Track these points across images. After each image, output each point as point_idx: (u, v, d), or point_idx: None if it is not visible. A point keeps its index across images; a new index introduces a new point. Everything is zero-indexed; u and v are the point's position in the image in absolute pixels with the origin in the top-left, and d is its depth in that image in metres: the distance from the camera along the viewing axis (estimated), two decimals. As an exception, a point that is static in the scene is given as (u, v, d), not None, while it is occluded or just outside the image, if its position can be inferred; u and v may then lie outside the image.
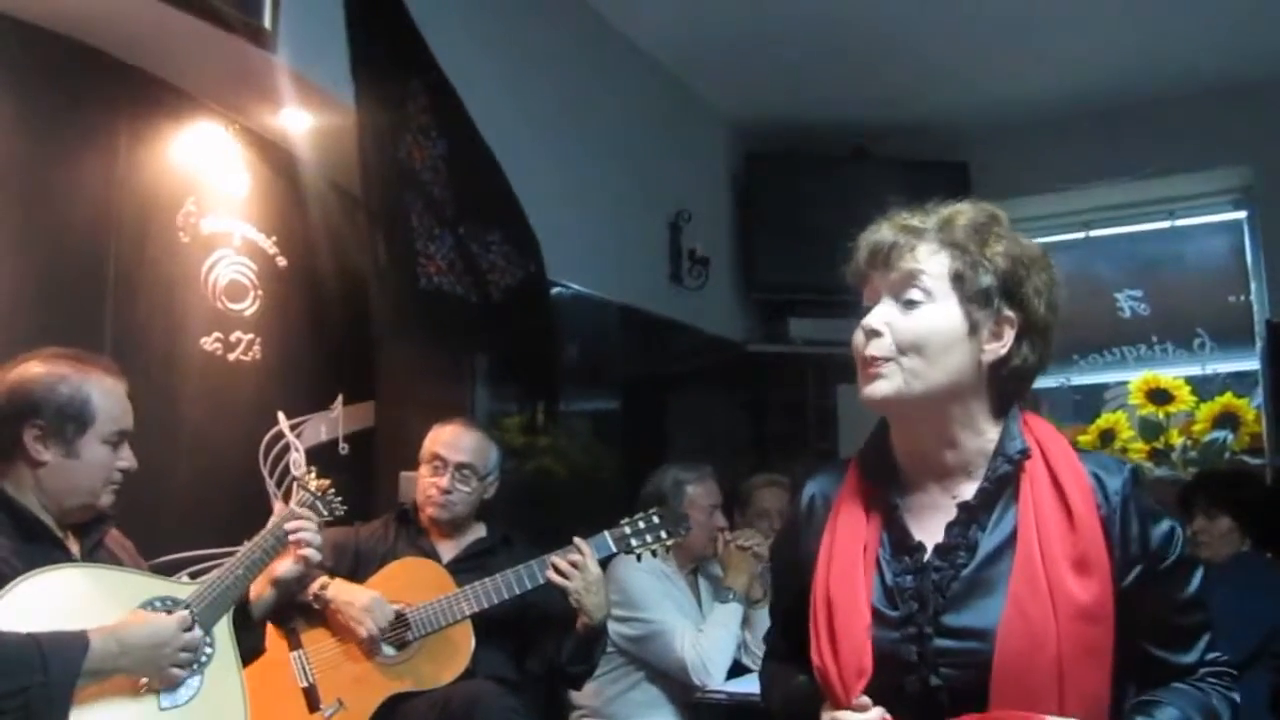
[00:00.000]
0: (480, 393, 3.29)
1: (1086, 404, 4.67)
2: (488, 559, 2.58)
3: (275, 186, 2.94)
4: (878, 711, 1.19)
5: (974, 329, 1.24)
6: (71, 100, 2.40)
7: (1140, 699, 1.23)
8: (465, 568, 2.53)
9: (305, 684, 2.29)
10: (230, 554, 1.99)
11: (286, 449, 2.91)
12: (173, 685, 1.76)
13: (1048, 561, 1.18)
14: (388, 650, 2.36)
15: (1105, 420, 4.16)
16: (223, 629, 1.89)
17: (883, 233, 1.29)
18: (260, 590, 2.02)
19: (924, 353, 1.23)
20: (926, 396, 1.24)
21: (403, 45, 2.77)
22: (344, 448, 3.11)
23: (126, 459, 1.89)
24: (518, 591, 2.40)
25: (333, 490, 2.16)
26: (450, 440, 2.62)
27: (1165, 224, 4.72)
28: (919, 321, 1.24)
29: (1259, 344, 4.35)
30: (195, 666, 1.80)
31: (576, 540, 2.46)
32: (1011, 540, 1.21)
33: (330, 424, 3.08)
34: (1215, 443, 3.97)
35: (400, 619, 2.37)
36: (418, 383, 3.26)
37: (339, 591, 2.37)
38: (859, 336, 1.28)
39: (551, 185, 3.45)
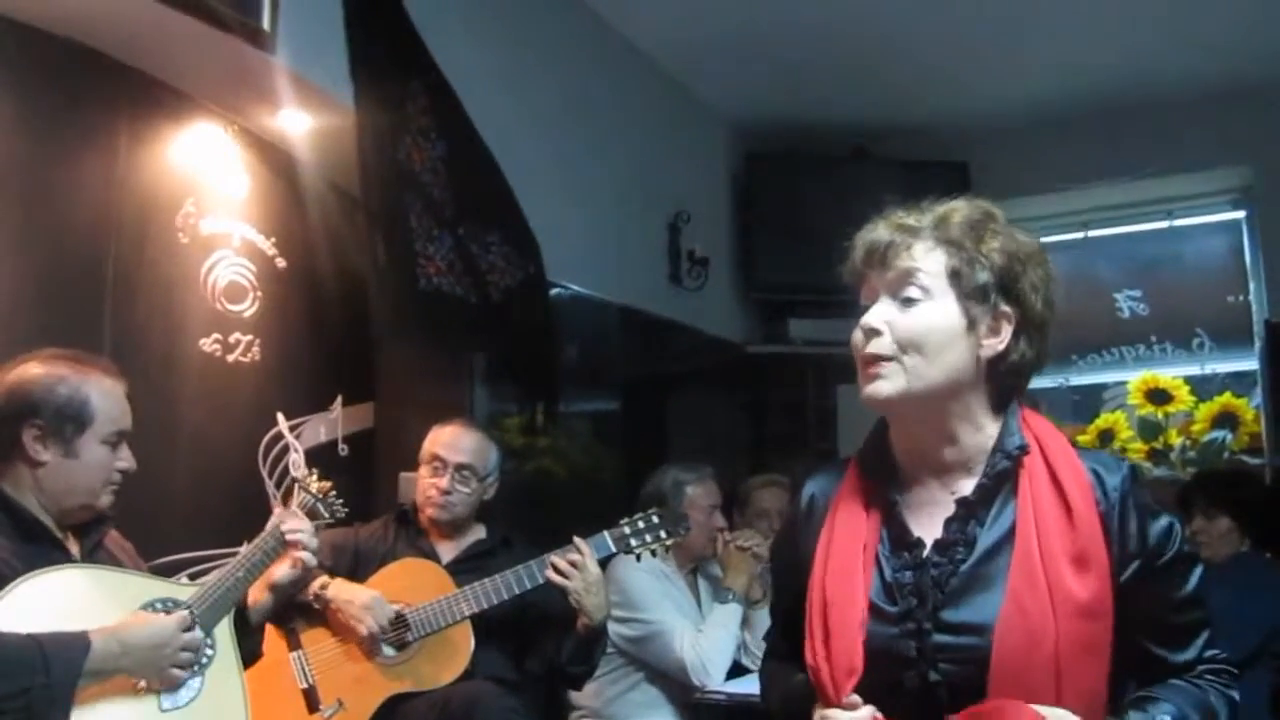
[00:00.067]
0: (480, 393, 3.29)
1: (1085, 404, 4.66)
2: (487, 560, 2.57)
3: (274, 187, 2.94)
4: (868, 710, 1.20)
5: (972, 325, 1.24)
6: (71, 101, 2.40)
7: (1136, 695, 1.23)
8: (465, 568, 2.52)
9: (305, 685, 2.29)
10: (230, 555, 2.00)
11: (286, 450, 2.91)
12: (174, 686, 1.76)
13: (1046, 557, 1.18)
14: (387, 651, 2.36)
15: (1104, 420, 4.14)
16: (223, 630, 1.89)
17: (879, 231, 1.29)
18: (257, 596, 2.02)
19: (924, 350, 1.23)
20: (927, 394, 1.24)
21: (402, 46, 2.78)
22: (343, 449, 3.11)
23: (125, 460, 1.89)
24: (517, 592, 2.40)
25: (334, 492, 2.18)
26: (450, 441, 2.62)
27: (1164, 224, 4.72)
28: (918, 319, 1.24)
29: (1258, 344, 4.35)
30: (196, 668, 1.80)
31: (576, 540, 2.46)
32: (1010, 536, 1.22)
33: (330, 425, 3.08)
34: (1214, 443, 3.96)
35: (400, 619, 2.37)
36: (417, 383, 3.26)
37: (339, 591, 2.37)
38: (858, 336, 1.28)
39: (551, 185, 3.45)
